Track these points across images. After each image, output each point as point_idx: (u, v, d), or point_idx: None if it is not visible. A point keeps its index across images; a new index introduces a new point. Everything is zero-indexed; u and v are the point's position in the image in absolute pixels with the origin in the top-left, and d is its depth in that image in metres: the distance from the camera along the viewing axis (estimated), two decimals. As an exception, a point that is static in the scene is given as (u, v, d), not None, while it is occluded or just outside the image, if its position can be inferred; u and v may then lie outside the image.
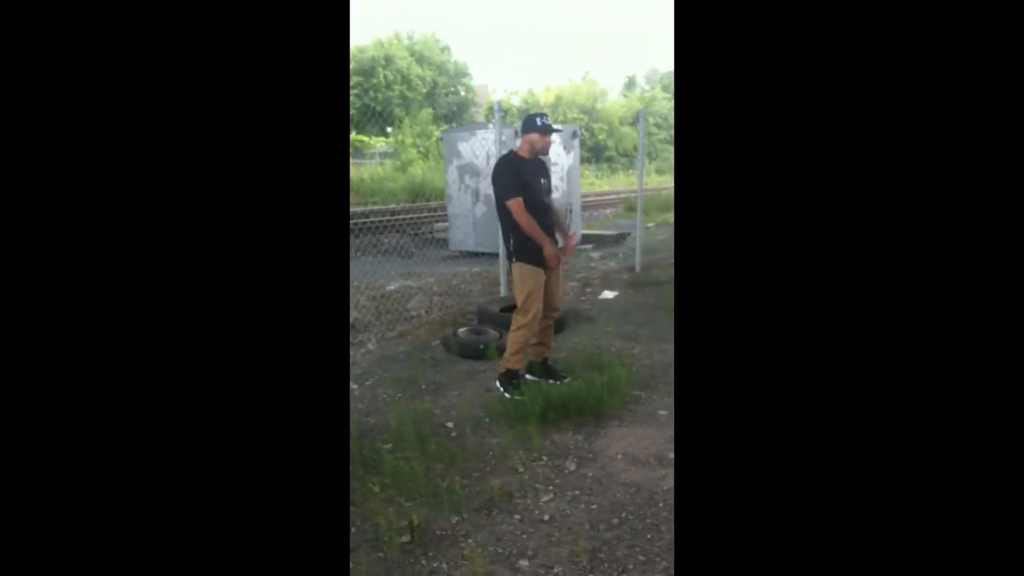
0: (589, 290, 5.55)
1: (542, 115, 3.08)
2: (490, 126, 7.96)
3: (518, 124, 4.33)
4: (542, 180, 3.08)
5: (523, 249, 2.97)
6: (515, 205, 2.91)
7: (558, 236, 3.15)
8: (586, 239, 8.57)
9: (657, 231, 9.76)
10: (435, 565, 1.86)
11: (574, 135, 8.54)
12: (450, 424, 2.84)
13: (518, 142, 3.13)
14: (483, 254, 7.41)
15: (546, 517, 2.09)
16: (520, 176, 2.95)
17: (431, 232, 8.67)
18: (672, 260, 6.64)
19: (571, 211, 7.07)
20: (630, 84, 35.92)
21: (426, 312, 4.38)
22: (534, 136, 2.98)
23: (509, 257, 3.06)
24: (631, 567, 1.82)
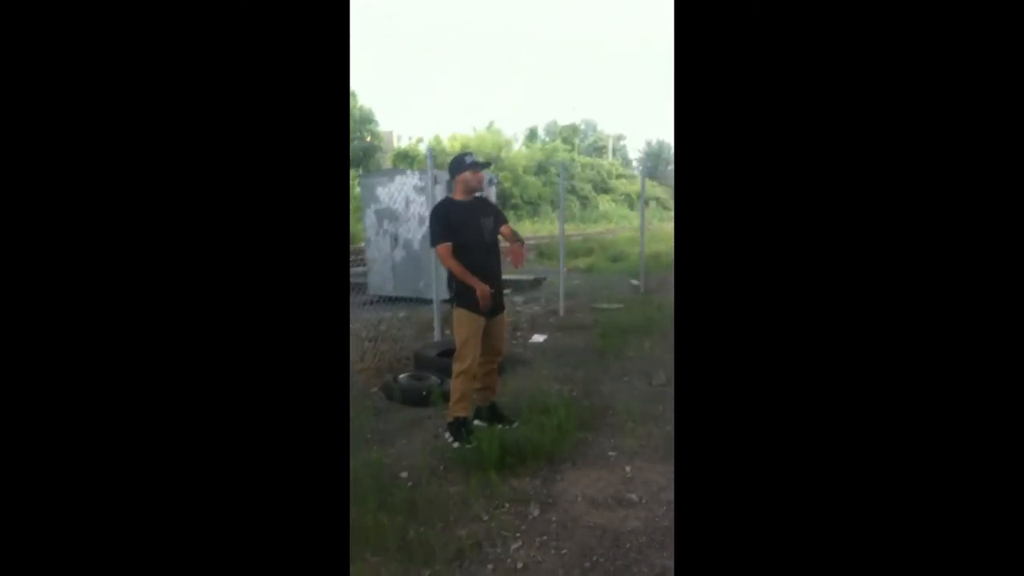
0: (519, 334, 5.62)
1: (468, 153, 3.16)
2: (408, 172, 8.04)
3: (436, 171, 4.38)
4: (482, 220, 3.05)
5: (462, 294, 2.99)
6: (441, 251, 2.93)
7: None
8: (504, 283, 8.70)
9: (571, 276, 10.09)
10: (415, 623, 1.79)
11: (490, 183, 8.76)
12: (404, 474, 2.76)
13: (438, 189, 3.13)
14: (403, 299, 7.31)
15: (519, 565, 2.07)
16: (449, 221, 2.96)
17: (345, 277, 8.45)
18: (592, 304, 6.91)
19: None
20: (532, 135, 37.41)
21: (360, 359, 4.25)
22: (466, 175, 3.04)
23: (450, 302, 3.06)
24: (612, 609, 1.85)
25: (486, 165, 3.15)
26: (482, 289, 2.91)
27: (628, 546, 2.18)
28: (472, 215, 3.04)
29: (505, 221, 3.21)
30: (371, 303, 7.38)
